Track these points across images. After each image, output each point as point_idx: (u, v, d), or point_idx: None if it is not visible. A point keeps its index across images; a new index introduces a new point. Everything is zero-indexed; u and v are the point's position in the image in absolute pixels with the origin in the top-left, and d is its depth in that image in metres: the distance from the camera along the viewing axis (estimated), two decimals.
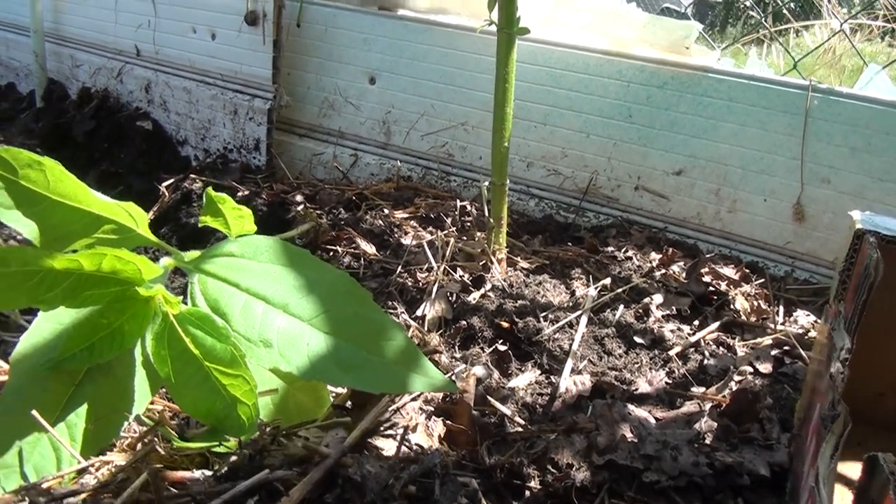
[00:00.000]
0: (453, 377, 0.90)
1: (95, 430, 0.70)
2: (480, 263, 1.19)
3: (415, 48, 1.54)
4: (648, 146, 1.40)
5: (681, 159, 1.38)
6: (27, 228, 0.72)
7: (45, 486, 0.64)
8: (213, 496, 0.60)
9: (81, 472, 0.66)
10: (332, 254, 1.24)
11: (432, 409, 0.86)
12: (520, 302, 1.12)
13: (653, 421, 0.91)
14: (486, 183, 1.27)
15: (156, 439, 0.70)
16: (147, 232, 0.80)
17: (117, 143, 1.77)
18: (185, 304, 0.74)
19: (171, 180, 1.58)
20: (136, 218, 0.78)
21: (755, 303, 1.20)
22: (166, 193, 1.56)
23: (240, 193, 1.49)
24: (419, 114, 1.56)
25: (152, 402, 0.81)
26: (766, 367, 1.00)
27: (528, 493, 0.80)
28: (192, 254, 0.85)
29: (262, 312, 0.71)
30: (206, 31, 1.68)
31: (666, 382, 1.01)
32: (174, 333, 0.70)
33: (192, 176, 1.56)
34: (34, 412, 0.68)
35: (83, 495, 0.63)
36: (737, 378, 0.98)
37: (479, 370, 0.93)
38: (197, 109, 1.72)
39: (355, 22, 1.56)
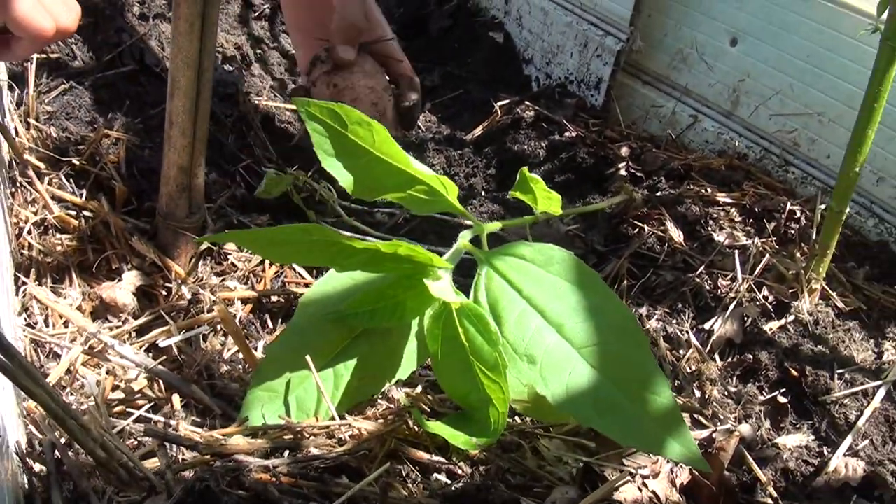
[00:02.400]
0: (717, 432, 0.86)
1: (357, 385, 0.77)
2: (790, 291, 1.10)
3: (787, 17, 1.39)
4: None
5: None
6: (343, 176, 0.78)
7: (298, 430, 0.71)
8: None
9: (329, 428, 0.73)
10: (637, 231, 1.21)
11: None
12: (819, 347, 1.04)
13: None
14: (823, 206, 1.15)
15: (407, 415, 0.76)
16: (455, 201, 0.83)
17: (467, 47, 1.82)
18: (470, 291, 0.77)
19: (506, 101, 1.61)
20: (447, 187, 0.82)
21: None
22: (499, 112, 1.59)
23: (567, 133, 1.48)
24: (774, 90, 1.43)
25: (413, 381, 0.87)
26: None
27: None
28: (493, 225, 0.88)
29: (536, 327, 0.73)
30: None
31: None
32: (450, 320, 0.74)
33: (527, 103, 1.58)
34: (308, 357, 0.75)
35: (327, 455, 0.70)
36: None
37: (745, 429, 0.89)
38: (549, 32, 1.70)
39: None
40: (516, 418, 0.84)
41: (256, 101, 1.49)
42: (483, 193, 1.39)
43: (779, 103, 1.44)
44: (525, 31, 1.78)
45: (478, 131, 1.59)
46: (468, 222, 0.96)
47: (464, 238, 0.82)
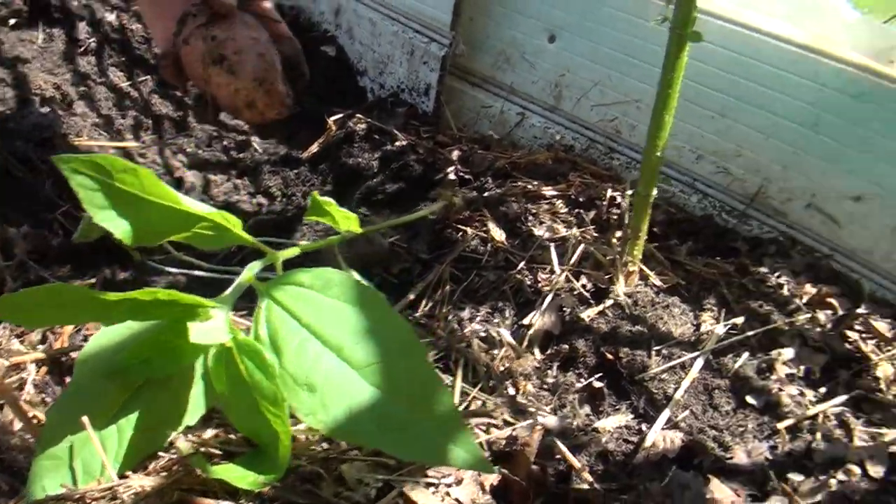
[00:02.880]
0: (519, 429, 0.88)
1: (142, 439, 0.75)
2: (607, 276, 1.13)
3: (600, 11, 1.44)
4: (830, 162, 1.25)
5: (862, 184, 1.22)
6: (119, 228, 0.76)
7: (76, 496, 0.69)
8: None
9: (112, 489, 0.71)
10: (461, 234, 1.23)
11: (490, 454, 0.85)
12: (637, 327, 1.07)
13: None
14: (630, 192, 1.19)
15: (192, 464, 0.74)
16: (241, 232, 0.82)
17: None
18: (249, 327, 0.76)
19: (340, 115, 1.61)
20: (230, 221, 0.81)
21: None
22: (333, 128, 1.59)
23: (398, 143, 1.49)
24: (593, 82, 1.47)
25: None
26: (877, 471, 0.90)
27: None
28: (290, 251, 0.87)
29: (315, 353, 0.72)
30: None
31: (766, 458, 0.94)
32: (232, 357, 0.73)
33: (359, 115, 1.58)
34: (84, 418, 0.73)
35: None
36: (841, 477, 0.89)
37: (550, 421, 0.90)
38: (378, 43, 1.71)
39: None
40: (324, 444, 0.84)
41: (77, 142, 1.45)
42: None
43: (599, 94, 1.48)
44: (357, 43, 1.78)
45: (314, 148, 1.58)
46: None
47: (250, 270, 0.81)
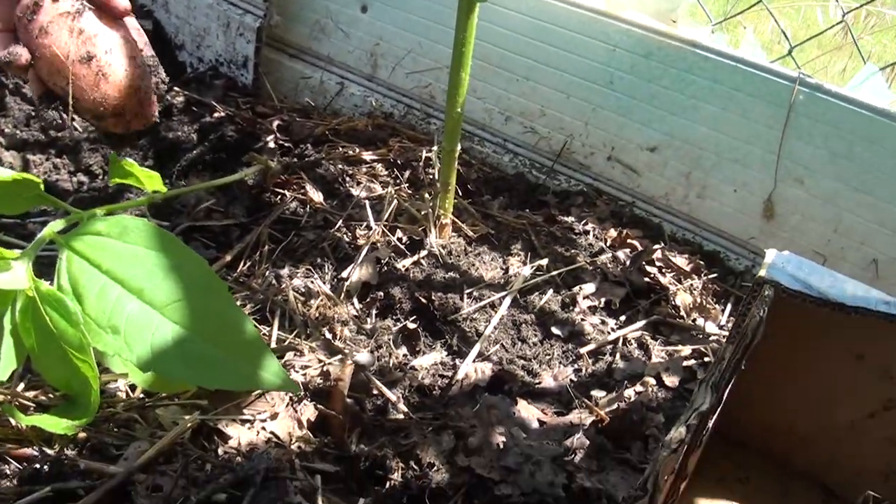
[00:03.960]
0: (330, 364, 0.91)
1: None
2: (421, 228, 1.18)
3: None
4: (626, 117, 1.35)
5: (656, 136, 1.33)
6: None
7: None
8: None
9: None
10: (279, 198, 1.24)
11: (307, 393, 0.88)
12: (450, 274, 1.12)
13: (535, 425, 0.92)
14: (436, 147, 1.24)
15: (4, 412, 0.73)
16: (43, 193, 0.80)
17: None
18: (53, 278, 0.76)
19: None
20: (31, 182, 0.79)
21: (699, 299, 1.18)
22: None
23: (216, 114, 1.48)
24: (406, 50, 1.52)
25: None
26: (672, 380, 0.99)
27: (388, 484, 0.82)
28: (95, 211, 0.86)
29: (117, 297, 0.72)
30: None
31: (571, 380, 1.01)
32: (37, 310, 0.72)
33: (177, 89, 1.56)
34: None
35: None
36: (638, 388, 0.97)
37: (362, 357, 0.94)
38: (194, 16, 1.69)
39: None
40: (142, 395, 0.84)
41: None
42: (129, 188, 1.36)
43: (412, 62, 1.53)
44: (173, 17, 1.75)
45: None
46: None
47: (52, 227, 0.80)
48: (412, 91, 1.54)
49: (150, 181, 0.90)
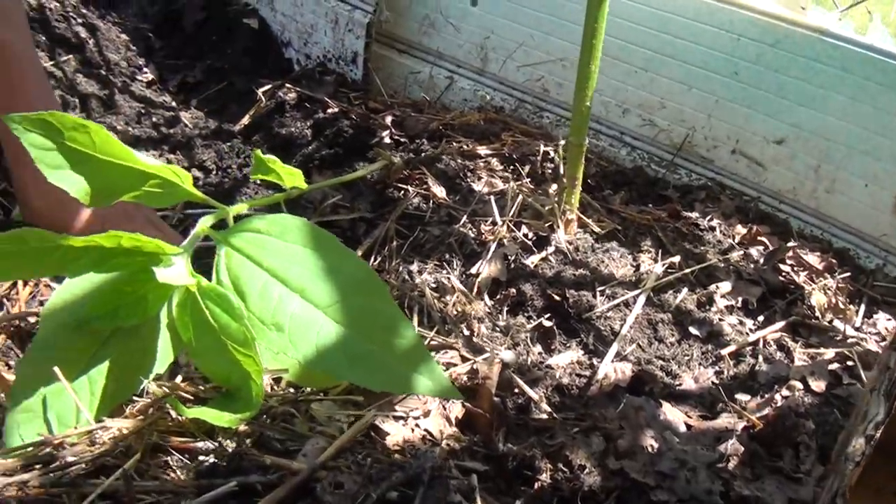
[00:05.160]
0: (477, 362, 0.90)
1: (114, 387, 0.74)
2: (546, 224, 1.16)
3: None
4: (752, 108, 1.30)
5: (784, 128, 1.28)
6: (75, 187, 0.74)
7: (56, 442, 0.68)
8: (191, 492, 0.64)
9: (90, 433, 0.70)
10: (402, 193, 1.24)
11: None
12: (580, 271, 1.10)
13: (683, 429, 0.89)
14: (563, 141, 1.21)
15: (167, 407, 0.74)
16: (192, 189, 0.81)
17: (225, 37, 1.78)
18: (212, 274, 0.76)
19: (269, 86, 1.59)
20: (181, 176, 0.80)
21: (833, 299, 1.13)
22: (262, 99, 1.58)
23: (330, 110, 1.49)
24: (518, 43, 1.50)
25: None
26: (819, 385, 0.95)
27: (536, 485, 0.81)
28: (240, 207, 0.87)
29: (279, 295, 0.72)
30: None
31: (713, 382, 0.98)
32: (196, 304, 0.72)
33: (288, 85, 1.57)
34: (55, 368, 0.72)
35: (84, 460, 0.67)
36: (785, 393, 0.94)
37: (507, 356, 0.93)
38: (301, 13, 1.70)
39: None
40: (290, 389, 0.84)
41: None
42: (258, 182, 1.38)
43: (524, 55, 1.51)
44: (279, 15, 1.76)
45: (245, 120, 1.56)
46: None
47: (204, 223, 0.80)
48: (524, 84, 1.52)
49: (291, 178, 0.90)
